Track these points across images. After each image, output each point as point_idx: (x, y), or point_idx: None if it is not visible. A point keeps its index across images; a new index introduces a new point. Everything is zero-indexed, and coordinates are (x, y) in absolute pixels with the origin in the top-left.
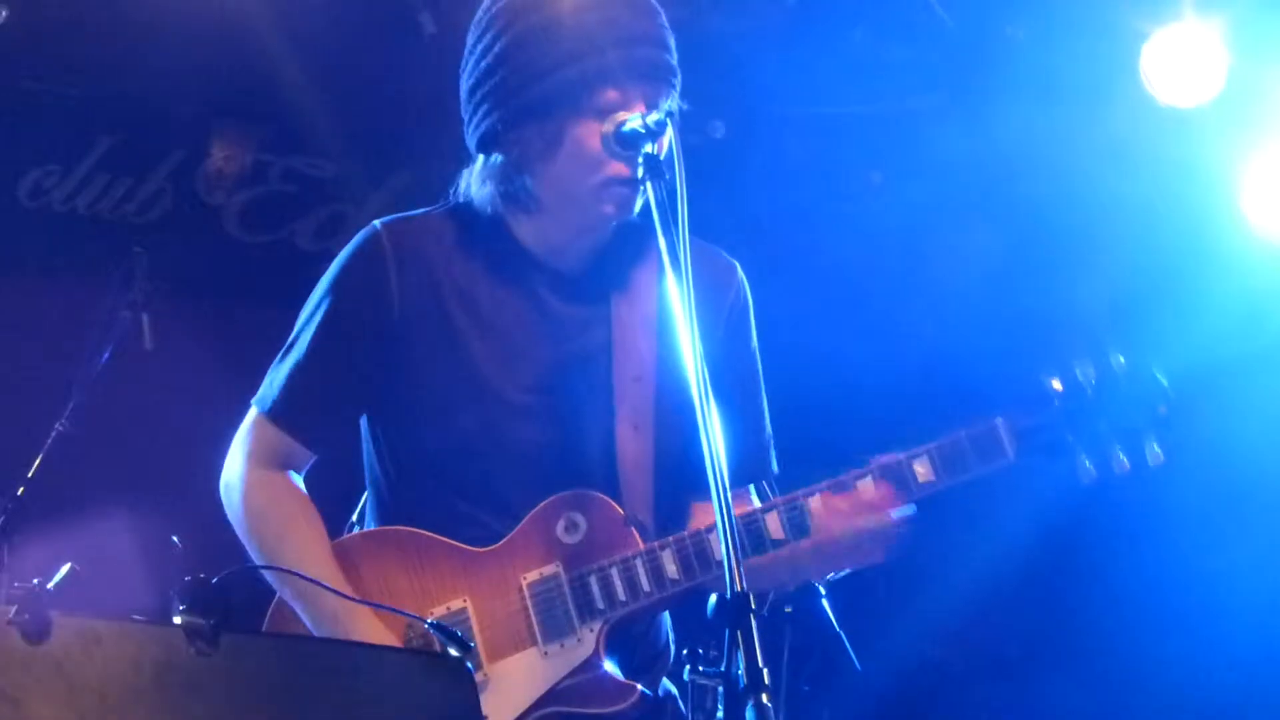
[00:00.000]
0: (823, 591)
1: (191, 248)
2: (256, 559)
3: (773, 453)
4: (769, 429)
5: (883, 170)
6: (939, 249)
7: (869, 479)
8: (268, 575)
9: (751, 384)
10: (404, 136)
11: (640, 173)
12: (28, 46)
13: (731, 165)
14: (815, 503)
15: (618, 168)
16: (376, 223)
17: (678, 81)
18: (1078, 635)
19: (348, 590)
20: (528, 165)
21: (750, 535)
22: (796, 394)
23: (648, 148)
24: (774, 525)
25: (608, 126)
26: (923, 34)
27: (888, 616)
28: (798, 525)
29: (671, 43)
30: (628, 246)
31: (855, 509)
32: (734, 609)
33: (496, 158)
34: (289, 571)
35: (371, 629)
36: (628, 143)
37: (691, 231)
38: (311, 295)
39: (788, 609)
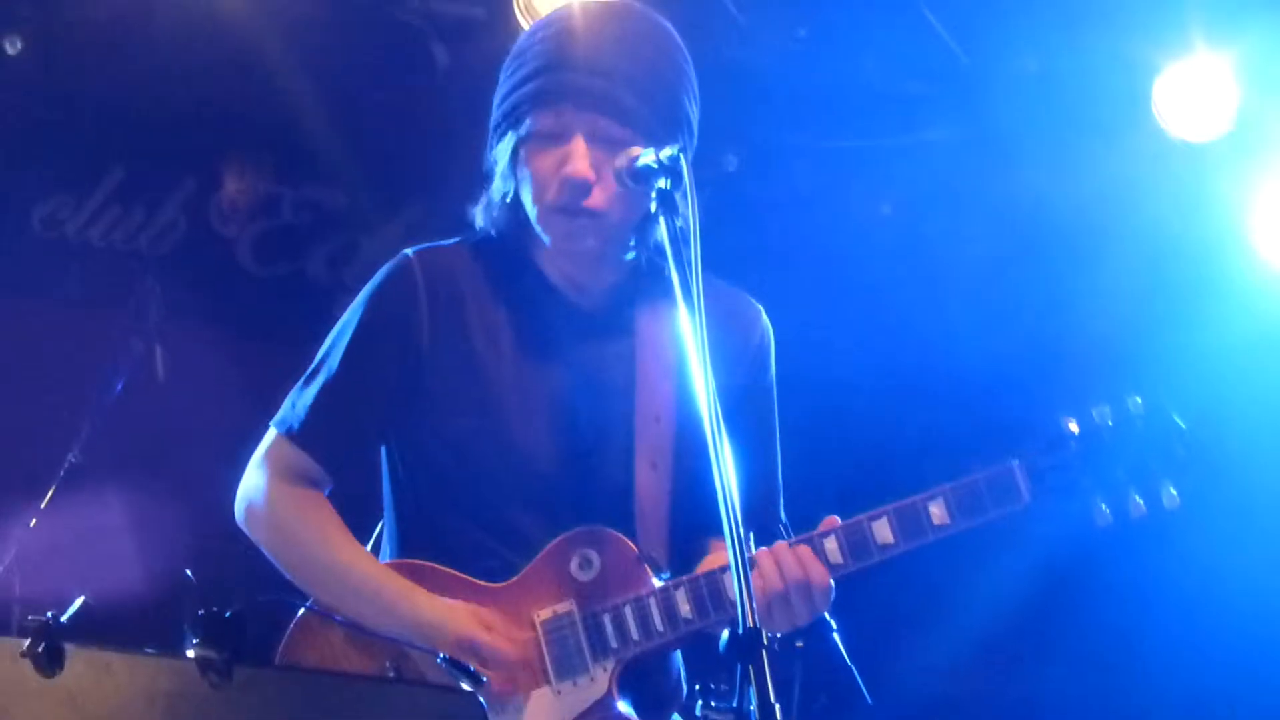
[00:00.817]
0: (834, 625)
1: (204, 279)
2: (290, 573)
3: (781, 503)
4: (779, 479)
5: (894, 203)
6: (950, 281)
7: (880, 525)
8: (305, 586)
9: (767, 431)
10: (417, 168)
11: (654, 208)
12: (42, 77)
13: (744, 198)
14: (829, 544)
15: (551, 194)
16: (409, 251)
17: (639, 123)
18: (1090, 671)
19: (397, 589)
20: (513, 190)
21: (711, 594)
22: (807, 424)
23: (661, 183)
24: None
25: (621, 161)
26: (935, 67)
27: (900, 651)
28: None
29: (649, 85)
30: (654, 284)
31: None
32: (746, 644)
33: (496, 183)
34: (305, 605)
35: (433, 607)
36: (640, 178)
37: (704, 264)
38: (341, 320)
39: (799, 643)
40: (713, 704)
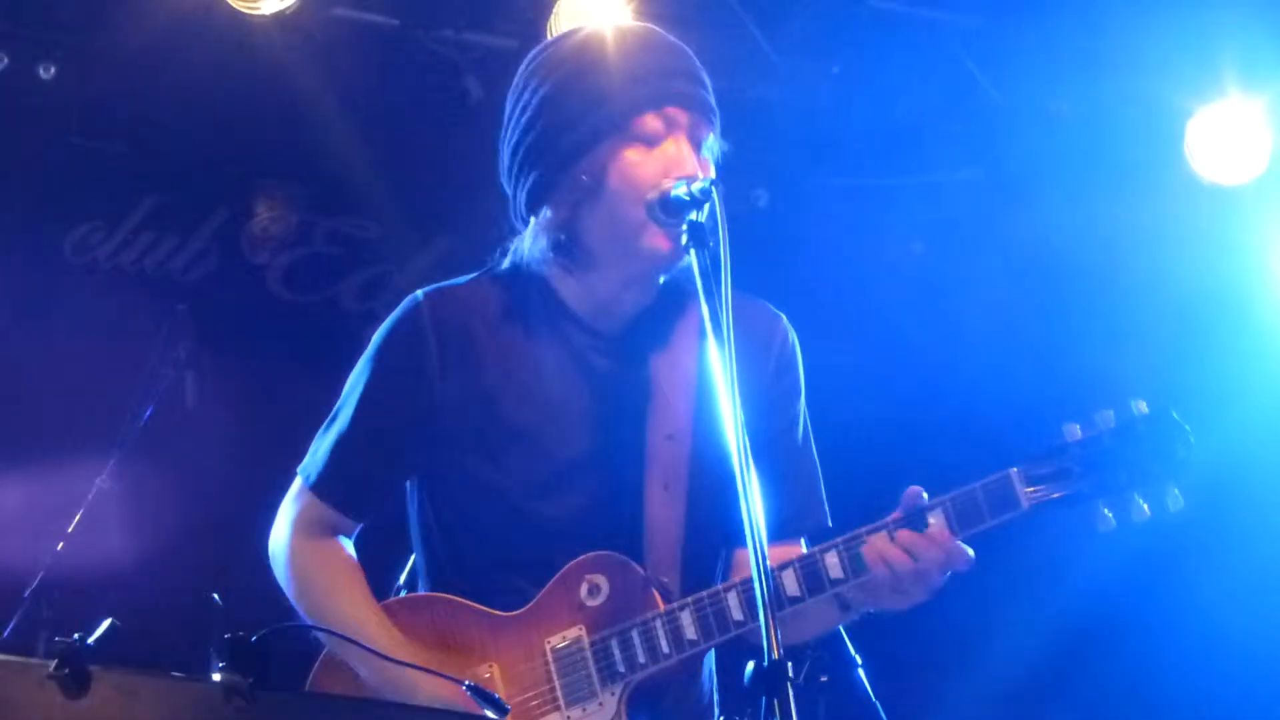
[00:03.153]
0: (858, 661)
1: (235, 307)
2: (307, 617)
3: (824, 501)
4: (819, 478)
5: (925, 241)
6: (978, 320)
7: (879, 538)
8: (319, 632)
9: (799, 432)
10: (448, 199)
11: (684, 240)
12: (75, 105)
13: (774, 234)
14: (830, 558)
15: (664, 192)
16: (419, 293)
17: (716, 121)
18: (1118, 706)
19: (395, 647)
20: (577, 212)
21: (809, 576)
22: (835, 458)
23: (693, 215)
24: (833, 564)
25: (652, 194)
26: (968, 107)
27: (924, 689)
28: (856, 563)
29: (708, 83)
30: (670, 307)
31: (909, 549)
32: (771, 676)
33: (546, 212)
34: (327, 631)
35: (428, 685)
36: (672, 210)
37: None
38: (356, 366)
39: (823, 678)
40: None
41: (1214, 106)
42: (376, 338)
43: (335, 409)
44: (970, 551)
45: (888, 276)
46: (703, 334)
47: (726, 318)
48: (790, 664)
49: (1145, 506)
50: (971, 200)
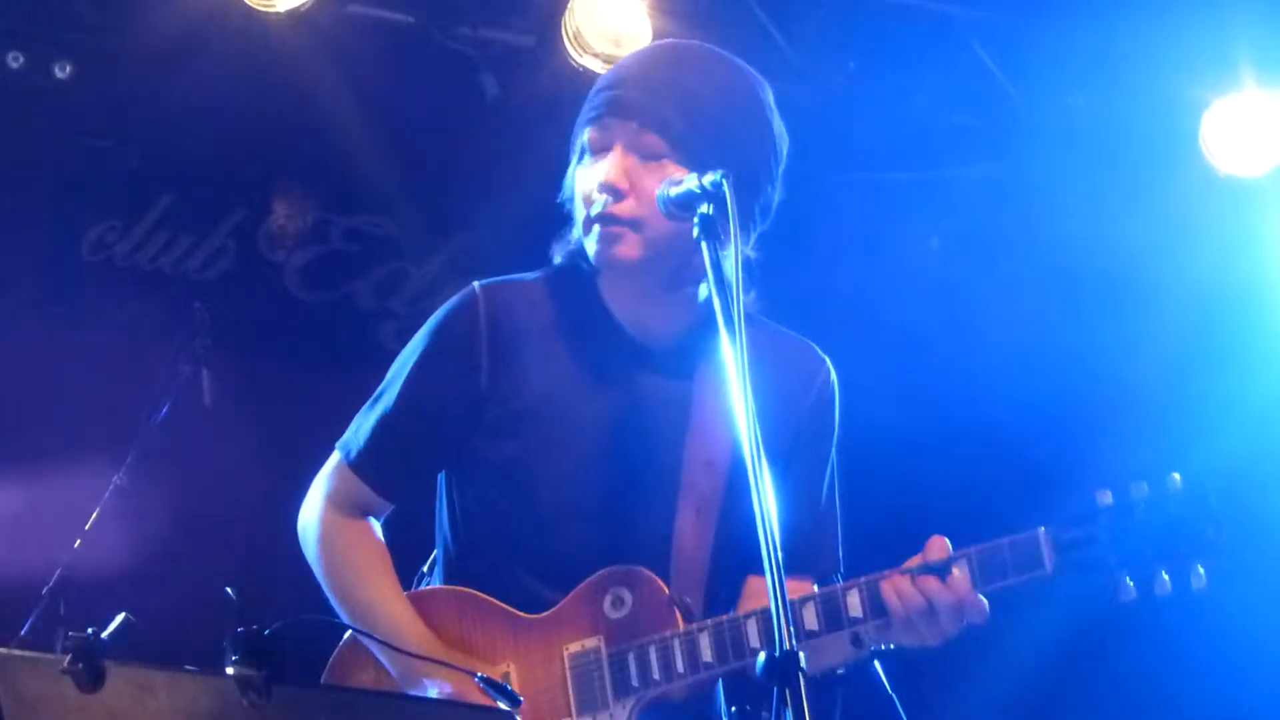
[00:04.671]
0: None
1: (252, 305)
2: (331, 600)
3: (839, 552)
4: (838, 528)
5: (941, 236)
6: (995, 316)
7: (903, 580)
8: (342, 614)
9: (825, 479)
10: (465, 197)
11: (696, 233)
12: (91, 104)
13: (790, 229)
14: (852, 597)
15: (588, 206)
16: (476, 284)
17: (677, 138)
18: (1148, 711)
19: (418, 636)
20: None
21: (828, 612)
22: (852, 457)
23: (703, 208)
24: (810, 617)
25: (663, 189)
26: (984, 102)
27: (942, 683)
28: (876, 605)
29: (692, 105)
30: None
31: (929, 595)
32: (783, 667)
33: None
34: (343, 625)
35: (445, 676)
36: (683, 205)
37: (763, 310)
38: (406, 348)
39: (840, 670)
40: None
41: (1230, 99)
42: (430, 323)
43: (380, 389)
44: (986, 605)
45: (904, 272)
46: (750, 361)
47: (738, 311)
48: (803, 655)
49: (1168, 581)
50: (988, 195)
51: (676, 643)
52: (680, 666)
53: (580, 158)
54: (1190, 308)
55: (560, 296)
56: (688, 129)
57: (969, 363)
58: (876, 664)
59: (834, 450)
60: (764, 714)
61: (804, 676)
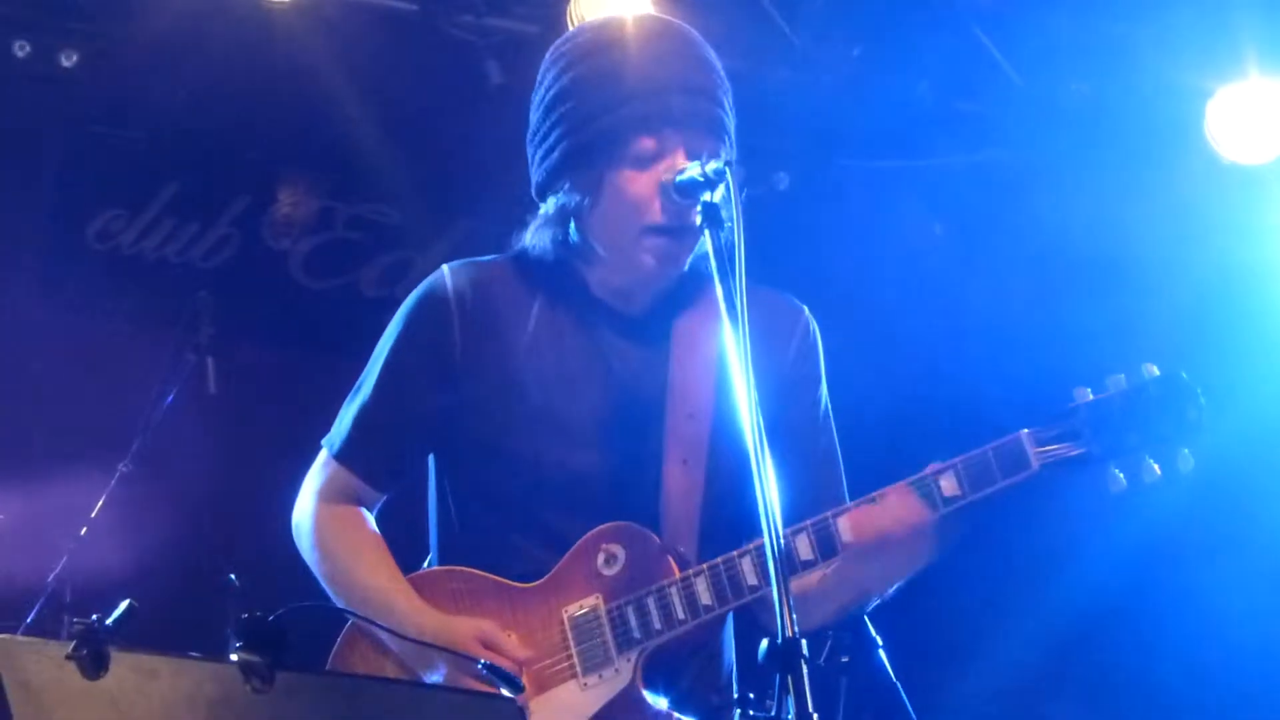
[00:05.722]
0: (880, 643)
1: (257, 292)
2: (328, 591)
3: (845, 491)
4: (840, 468)
5: (945, 223)
6: (999, 302)
7: (894, 493)
8: (340, 601)
9: (818, 422)
10: (469, 184)
11: (698, 220)
12: (96, 92)
13: (795, 216)
14: (844, 521)
15: (654, 215)
16: (444, 267)
17: (725, 133)
18: (1145, 699)
19: (419, 616)
20: (577, 214)
21: (822, 540)
22: (855, 441)
23: (706, 196)
24: (803, 547)
25: (666, 175)
26: (988, 88)
27: (947, 672)
28: (826, 545)
29: (722, 94)
30: (692, 289)
31: (884, 520)
32: (784, 653)
33: (550, 205)
34: (345, 611)
35: (435, 625)
36: (686, 192)
37: (754, 281)
38: (381, 337)
39: (844, 659)
40: (751, 713)
41: (1234, 87)
42: (402, 309)
43: (360, 379)
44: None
45: (908, 258)
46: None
47: (741, 299)
48: (806, 642)
49: (1156, 467)
50: (992, 182)
51: (674, 590)
52: (680, 613)
53: (626, 163)
54: (1194, 295)
55: (530, 272)
56: (728, 122)
57: (972, 350)
58: (881, 653)
59: (825, 393)
60: (768, 701)
61: (807, 664)
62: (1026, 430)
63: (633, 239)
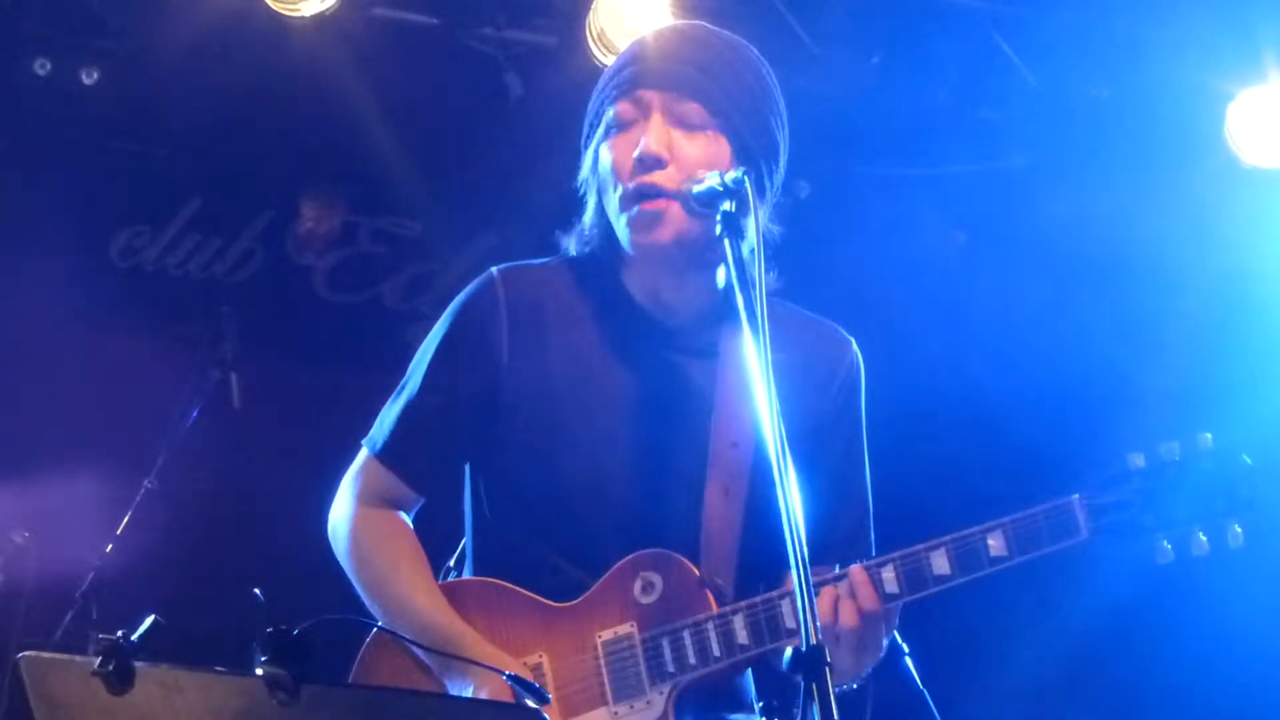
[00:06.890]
0: (906, 650)
1: (280, 307)
2: (363, 596)
3: (871, 536)
4: (869, 511)
5: (967, 231)
6: (1021, 307)
7: (992, 536)
8: (373, 607)
9: (853, 462)
10: (491, 197)
11: (719, 230)
12: (119, 108)
13: (816, 225)
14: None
15: (624, 180)
16: (494, 270)
17: (711, 101)
18: (1166, 705)
19: (451, 629)
20: (598, 211)
21: (769, 621)
22: (875, 449)
23: (726, 205)
24: (889, 578)
25: (686, 185)
26: (1008, 94)
27: (973, 679)
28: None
29: (722, 71)
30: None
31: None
32: (809, 660)
33: (587, 206)
34: (374, 624)
35: (480, 656)
36: (705, 202)
37: (785, 294)
38: (427, 338)
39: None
40: None
41: (1255, 90)
42: (450, 309)
43: (404, 379)
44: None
45: (931, 266)
46: (775, 347)
47: (761, 308)
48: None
49: (1205, 541)
50: (1013, 188)
51: (711, 626)
52: (716, 650)
53: (606, 134)
54: (1214, 299)
55: (579, 279)
56: (723, 97)
57: (995, 356)
58: (908, 660)
59: (864, 434)
60: (794, 710)
61: (831, 671)
62: (1078, 495)
63: (617, 216)
